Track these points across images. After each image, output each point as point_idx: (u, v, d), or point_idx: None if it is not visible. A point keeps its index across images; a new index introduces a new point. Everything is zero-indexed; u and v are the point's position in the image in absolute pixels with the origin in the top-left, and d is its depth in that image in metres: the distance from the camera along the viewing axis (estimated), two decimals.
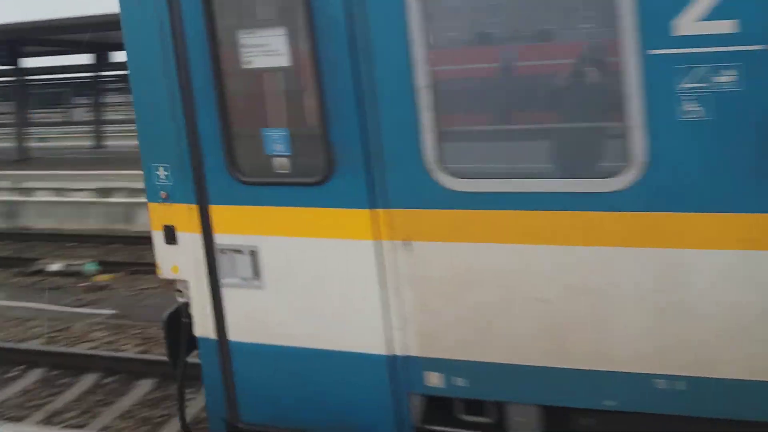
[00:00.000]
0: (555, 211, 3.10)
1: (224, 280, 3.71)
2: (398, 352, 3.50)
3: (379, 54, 3.21)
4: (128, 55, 3.70)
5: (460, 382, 3.42)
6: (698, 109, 2.79)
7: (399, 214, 3.36)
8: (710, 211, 2.89)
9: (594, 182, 3.04)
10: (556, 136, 3.45)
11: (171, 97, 3.58)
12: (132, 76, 3.76)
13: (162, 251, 3.81)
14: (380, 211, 3.38)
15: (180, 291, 3.92)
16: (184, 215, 3.69)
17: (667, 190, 2.91)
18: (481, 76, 3.61)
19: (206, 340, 3.81)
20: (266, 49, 3.37)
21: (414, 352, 3.48)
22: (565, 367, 3.23)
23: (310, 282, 3.57)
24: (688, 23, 2.71)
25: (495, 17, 3.54)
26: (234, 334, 3.75)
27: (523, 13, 3.42)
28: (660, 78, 2.80)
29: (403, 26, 3.11)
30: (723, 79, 2.73)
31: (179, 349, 3.99)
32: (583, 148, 3.41)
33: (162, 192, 3.71)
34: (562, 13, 3.41)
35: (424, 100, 3.15)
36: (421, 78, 3.14)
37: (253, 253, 3.63)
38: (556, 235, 3.11)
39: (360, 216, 3.41)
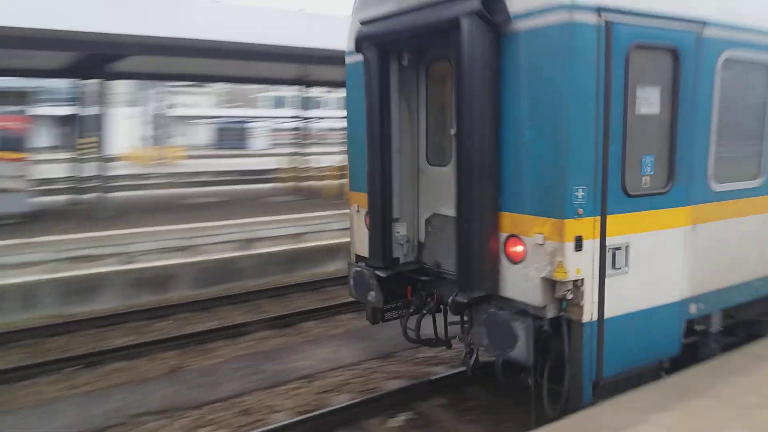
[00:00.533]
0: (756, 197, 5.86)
1: (608, 272, 4.80)
2: (680, 298, 5.29)
3: (702, 110, 5.23)
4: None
5: (702, 306, 5.46)
6: None
7: (693, 208, 5.28)
8: None
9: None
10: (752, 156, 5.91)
11: (596, 135, 4.59)
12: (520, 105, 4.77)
13: (570, 258, 4.56)
14: (689, 207, 5.25)
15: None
16: (589, 226, 4.66)
17: None
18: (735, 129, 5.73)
19: (589, 323, 4.71)
20: (649, 100, 4.95)
21: (686, 295, 5.33)
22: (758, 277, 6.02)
23: (650, 260, 5.06)
24: None
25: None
26: (607, 313, 4.82)
27: None
28: None
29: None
30: None
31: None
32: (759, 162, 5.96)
33: (579, 209, 4.56)
34: None
35: (713, 142, 5.37)
36: (714, 127, 5.35)
37: (627, 248, 4.89)
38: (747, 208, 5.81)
39: (682, 212, 5.20)
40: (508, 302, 4.90)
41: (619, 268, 4.84)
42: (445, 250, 5.70)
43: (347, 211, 6.91)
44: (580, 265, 4.60)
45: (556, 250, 4.54)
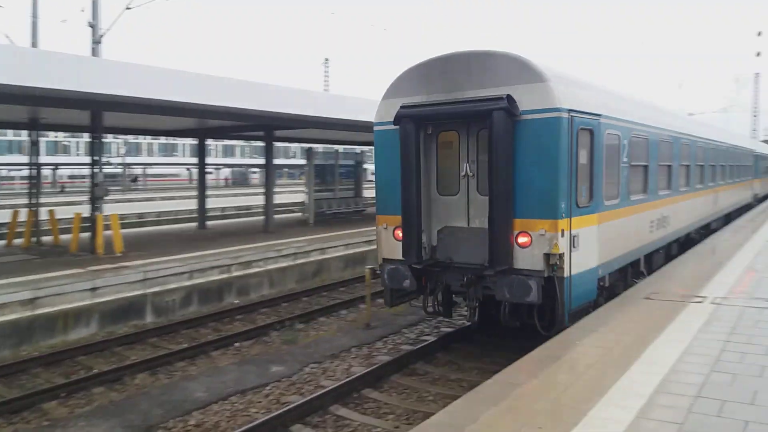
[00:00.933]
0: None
1: (572, 249, 8.00)
2: (596, 265, 8.70)
3: (598, 162, 8.82)
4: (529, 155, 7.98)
5: (603, 270, 8.94)
6: None
7: (599, 215, 8.77)
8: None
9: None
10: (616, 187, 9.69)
11: (569, 175, 7.91)
12: (527, 159, 7.98)
13: (559, 241, 7.74)
14: (598, 213, 8.73)
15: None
16: (566, 224, 7.90)
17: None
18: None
19: (567, 278, 7.86)
20: (583, 156, 8.39)
21: (599, 263, 8.76)
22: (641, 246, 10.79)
23: (585, 243, 8.34)
24: None
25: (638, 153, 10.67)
26: (573, 272, 8.01)
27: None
28: None
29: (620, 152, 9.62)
30: None
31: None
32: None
33: (563, 214, 7.81)
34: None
35: (604, 179, 9.11)
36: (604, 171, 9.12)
37: (578, 236, 8.12)
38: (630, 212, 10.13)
39: (595, 216, 8.65)
40: (518, 271, 7.94)
41: (576, 247, 8.13)
42: (455, 249, 8.68)
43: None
44: (562, 245, 7.82)
45: (553, 237, 7.79)
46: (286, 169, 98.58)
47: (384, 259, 9.24)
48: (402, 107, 8.70)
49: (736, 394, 4.92)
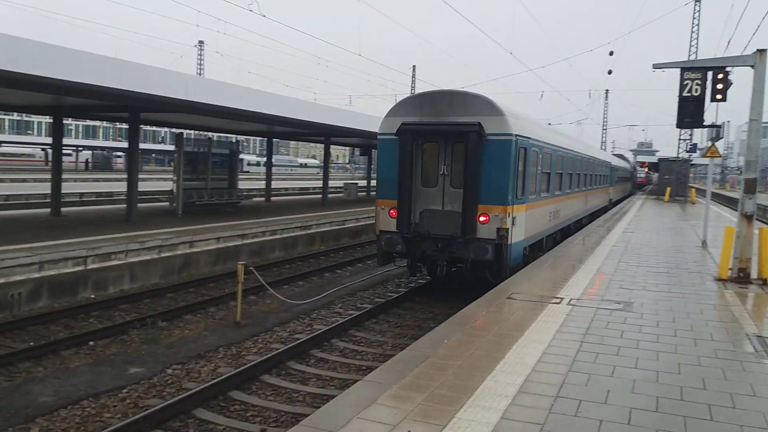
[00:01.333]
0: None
1: (511, 226, 11.68)
2: (523, 238, 12.68)
3: (527, 169, 12.75)
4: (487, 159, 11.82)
5: (527, 242, 13.11)
6: None
7: (527, 205, 12.79)
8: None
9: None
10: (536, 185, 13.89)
11: (514, 176, 11.81)
12: (488, 167, 11.77)
13: (507, 219, 11.50)
14: (526, 204, 12.72)
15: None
16: (511, 209, 11.66)
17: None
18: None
19: (509, 244, 11.56)
20: (521, 165, 12.42)
21: (524, 237, 12.75)
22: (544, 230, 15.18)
23: (519, 222, 12.23)
24: None
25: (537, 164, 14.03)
26: (512, 241, 11.75)
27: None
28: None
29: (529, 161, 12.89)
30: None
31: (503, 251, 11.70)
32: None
33: (510, 202, 11.58)
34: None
35: (530, 179, 13.20)
36: (529, 174, 13.05)
37: (515, 217, 11.88)
38: (540, 205, 14.42)
39: (524, 205, 12.55)
40: (479, 239, 11.70)
41: (514, 225, 11.91)
42: (432, 225, 12.07)
43: None
44: (508, 223, 11.58)
45: (503, 217, 11.56)
46: (154, 155, 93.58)
47: (381, 231, 12.74)
48: (403, 124, 12.14)
49: (592, 394, 5.24)
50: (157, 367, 8.70)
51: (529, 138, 12.70)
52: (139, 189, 19.25)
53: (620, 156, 56.45)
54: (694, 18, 53.72)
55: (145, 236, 14.57)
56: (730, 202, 49.27)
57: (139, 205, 19.26)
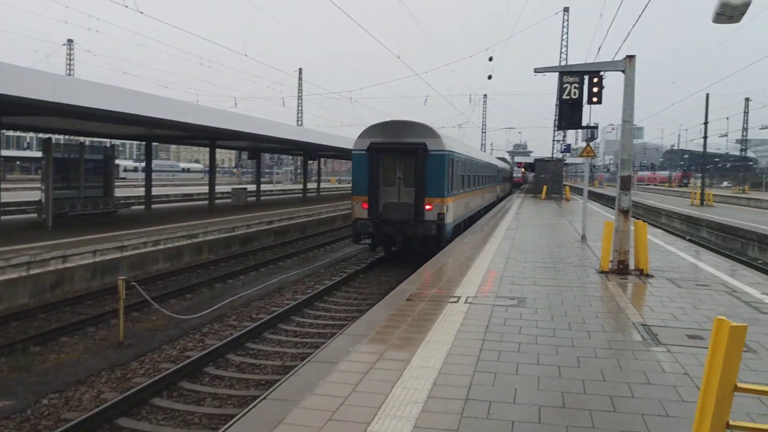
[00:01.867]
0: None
1: (446, 212, 17.49)
2: (452, 220, 18.90)
3: (453, 172, 18.94)
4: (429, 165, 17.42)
5: (454, 224, 19.30)
6: None
7: (453, 197, 18.94)
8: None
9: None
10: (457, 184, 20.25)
11: (448, 178, 17.78)
12: (431, 172, 17.43)
13: (443, 206, 17.25)
14: (453, 196, 18.86)
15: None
16: (446, 200, 17.56)
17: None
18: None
19: (445, 224, 17.39)
20: (449, 170, 18.31)
21: (452, 220, 18.94)
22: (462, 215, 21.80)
23: (450, 209, 18.19)
24: None
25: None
26: (447, 221, 17.65)
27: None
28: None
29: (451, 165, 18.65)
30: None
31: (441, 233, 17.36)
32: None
33: (446, 194, 17.57)
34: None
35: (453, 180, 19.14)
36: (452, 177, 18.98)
37: (448, 206, 17.88)
38: (460, 198, 20.96)
39: (452, 198, 18.63)
40: (426, 221, 17.01)
41: (447, 211, 17.43)
42: (391, 212, 17.18)
43: None
44: (444, 209, 17.16)
45: (442, 205, 17.13)
46: (19, 162, 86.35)
47: (356, 218, 17.69)
48: (372, 143, 17.33)
49: (500, 394, 5.24)
50: (31, 398, 7.84)
51: (454, 152, 18.99)
52: (2, 200, 17.45)
53: (503, 159, 62.26)
54: (563, 27, 57.29)
55: (10, 252, 13.19)
56: (600, 198, 53.00)
57: (2, 217, 17.47)
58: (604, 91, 12.59)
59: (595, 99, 12.50)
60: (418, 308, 8.54)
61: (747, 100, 77.76)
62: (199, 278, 15.96)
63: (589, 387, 5.40)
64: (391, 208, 17.39)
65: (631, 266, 11.81)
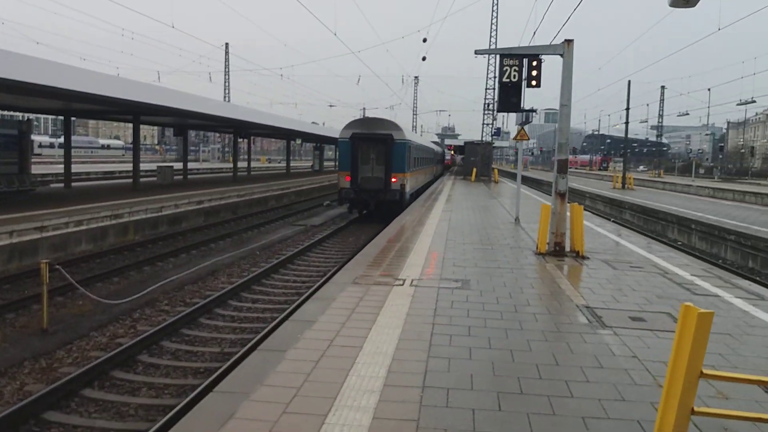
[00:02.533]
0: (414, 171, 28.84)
1: (407, 183, 24.82)
2: (410, 190, 26.22)
3: (410, 155, 26.61)
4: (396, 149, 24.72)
5: (411, 192, 27.17)
6: None
7: (412, 173, 27.02)
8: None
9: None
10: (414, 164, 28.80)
11: (407, 159, 25.21)
12: (395, 155, 24.49)
13: (406, 179, 24.50)
14: (410, 172, 26.38)
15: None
16: (408, 174, 25.28)
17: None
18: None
19: (407, 192, 24.55)
20: (408, 154, 26.06)
21: (410, 190, 26.19)
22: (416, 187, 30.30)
23: (409, 182, 25.93)
24: None
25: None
26: (408, 190, 24.98)
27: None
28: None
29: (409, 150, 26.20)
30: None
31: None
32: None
33: (406, 171, 24.74)
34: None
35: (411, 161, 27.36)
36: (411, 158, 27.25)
37: (407, 179, 25.03)
38: (414, 174, 29.10)
39: (409, 173, 26.01)
40: (392, 190, 23.83)
41: (406, 183, 24.38)
42: (368, 184, 23.91)
43: None
44: (405, 181, 24.11)
45: (403, 178, 24.05)
46: None
47: (341, 187, 24.04)
48: (353, 134, 24.00)
49: (457, 381, 5.16)
50: None
51: (410, 141, 26.30)
52: None
53: (436, 143, 66.31)
54: (492, 11, 58.01)
55: None
56: (526, 181, 54.42)
57: None
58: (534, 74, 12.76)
59: (534, 82, 12.63)
60: (365, 291, 8.37)
61: (663, 88, 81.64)
62: (126, 261, 15.21)
63: (543, 372, 5.41)
64: (366, 181, 23.99)
65: (567, 248, 12.07)
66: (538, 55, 12.60)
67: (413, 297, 8.11)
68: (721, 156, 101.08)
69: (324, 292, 8.47)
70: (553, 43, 12.97)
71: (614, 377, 5.31)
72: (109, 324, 10.06)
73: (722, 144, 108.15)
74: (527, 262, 11.18)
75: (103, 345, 9.01)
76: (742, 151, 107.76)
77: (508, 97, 12.68)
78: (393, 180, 23.75)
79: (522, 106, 13.19)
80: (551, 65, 16.78)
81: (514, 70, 12.53)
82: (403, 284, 8.89)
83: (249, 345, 8.58)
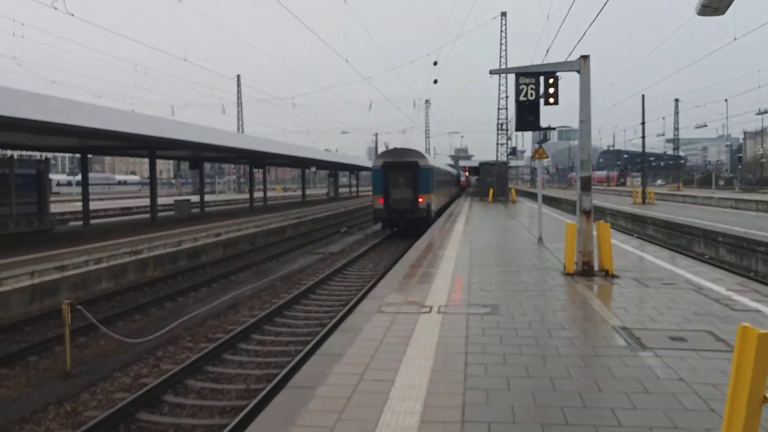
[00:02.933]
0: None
1: (431, 203, 29.48)
2: (435, 208, 31.51)
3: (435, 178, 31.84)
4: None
5: (435, 210, 30.81)
6: None
7: (435, 193, 31.81)
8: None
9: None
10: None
11: (431, 182, 29.73)
12: (422, 179, 29.20)
13: (431, 199, 28.93)
14: (434, 194, 31.00)
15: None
16: (431, 195, 29.28)
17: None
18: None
19: (431, 211, 28.82)
20: (433, 177, 30.62)
21: (435, 208, 31.27)
22: (439, 206, 35.04)
23: (433, 202, 30.49)
24: None
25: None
26: (432, 209, 29.20)
27: None
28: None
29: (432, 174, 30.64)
30: None
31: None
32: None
33: (431, 192, 29.11)
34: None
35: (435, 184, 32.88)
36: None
37: (432, 199, 29.80)
38: (437, 195, 33.51)
39: (434, 194, 31.02)
40: (419, 209, 28.14)
41: (431, 202, 28.78)
42: (398, 205, 28.31)
43: None
44: (430, 201, 28.50)
45: (429, 198, 28.41)
46: None
47: (375, 208, 28.63)
48: (384, 162, 28.80)
49: (497, 413, 4.90)
50: None
51: (433, 167, 30.30)
52: None
53: (452, 166, 71.54)
54: (501, 31, 58.24)
55: None
56: (543, 199, 53.99)
57: None
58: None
59: (551, 100, 12.46)
60: (392, 321, 8.15)
61: (677, 101, 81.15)
62: (146, 297, 15.12)
63: (588, 400, 5.14)
64: (397, 202, 28.23)
65: (596, 267, 11.77)
66: (554, 72, 12.45)
67: (442, 325, 7.86)
68: (740, 166, 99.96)
69: (349, 322, 8.25)
70: (568, 60, 12.83)
71: (662, 403, 5.02)
72: (132, 363, 9.90)
73: (740, 154, 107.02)
74: (556, 283, 10.89)
75: (128, 386, 8.83)
76: (763, 160, 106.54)
77: (526, 116, 12.51)
78: (420, 200, 28.16)
79: (539, 124, 13.03)
80: (563, 82, 16.64)
81: (531, 89, 12.38)
82: (430, 311, 8.65)
83: (274, 382, 8.36)
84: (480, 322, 8.01)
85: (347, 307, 12.92)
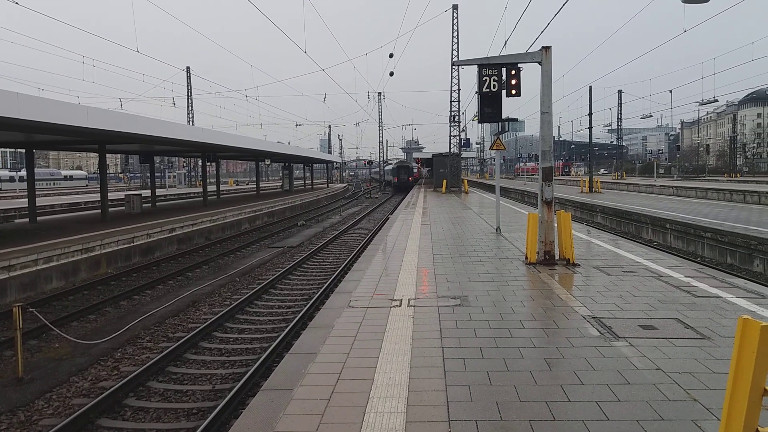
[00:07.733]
0: None
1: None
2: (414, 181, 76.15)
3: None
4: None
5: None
6: None
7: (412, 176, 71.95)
8: None
9: None
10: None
11: (412, 170, 72.99)
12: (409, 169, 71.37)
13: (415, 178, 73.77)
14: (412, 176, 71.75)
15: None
16: (414, 175, 71.88)
17: None
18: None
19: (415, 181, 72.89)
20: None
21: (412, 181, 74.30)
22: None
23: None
24: None
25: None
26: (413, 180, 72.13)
27: None
28: None
29: None
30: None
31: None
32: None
33: (411, 176, 72.03)
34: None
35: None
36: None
37: (415, 178, 75.74)
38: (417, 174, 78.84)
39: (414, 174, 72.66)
40: (410, 182, 68.33)
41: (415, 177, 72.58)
42: (402, 182, 68.70)
43: None
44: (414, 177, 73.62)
45: (414, 176, 72.05)
46: None
47: (392, 181, 71.18)
48: (396, 165, 73.06)
49: (483, 410, 4.83)
50: None
51: (413, 164, 72.82)
52: None
53: (416, 159, 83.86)
54: (453, 24, 58.44)
55: None
56: (492, 189, 54.71)
57: None
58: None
59: (513, 91, 12.50)
60: (363, 316, 8.01)
61: (620, 92, 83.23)
62: (101, 296, 14.54)
63: (571, 393, 5.12)
64: (401, 180, 67.12)
65: (557, 256, 11.89)
66: (516, 63, 12.48)
67: (414, 319, 7.77)
68: (678, 155, 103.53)
69: (320, 319, 8.08)
70: (530, 51, 12.89)
71: (645, 394, 5.05)
72: (89, 366, 9.47)
73: (678, 144, 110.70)
74: (520, 273, 10.95)
75: (86, 391, 8.43)
76: (701, 149, 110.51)
77: (489, 108, 12.53)
78: (410, 179, 64.70)
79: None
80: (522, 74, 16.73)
81: (494, 80, 12.39)
82: (400, 305, 8.55)
83: (242, 381, 8.12)
84: (452, 314, 7.96)
85: (311, 301, 12.72)
